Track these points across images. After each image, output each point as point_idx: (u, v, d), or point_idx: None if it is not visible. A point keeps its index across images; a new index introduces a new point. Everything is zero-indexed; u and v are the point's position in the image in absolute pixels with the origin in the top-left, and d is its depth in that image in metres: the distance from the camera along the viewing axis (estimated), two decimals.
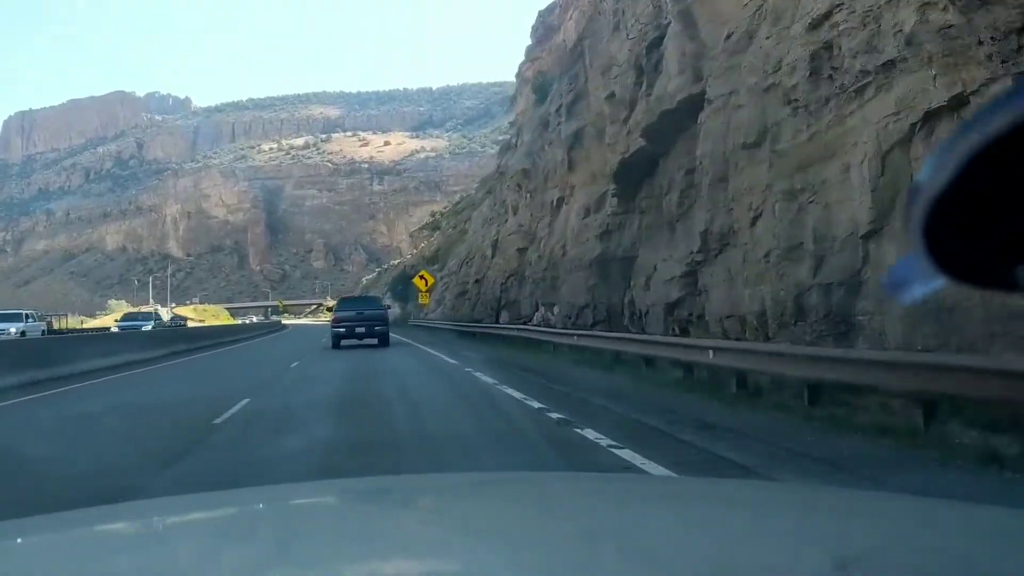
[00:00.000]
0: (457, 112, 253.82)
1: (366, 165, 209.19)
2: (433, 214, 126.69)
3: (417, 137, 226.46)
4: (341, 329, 23.61)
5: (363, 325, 23.41)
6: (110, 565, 1.15)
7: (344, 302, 26.41)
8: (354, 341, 23.36)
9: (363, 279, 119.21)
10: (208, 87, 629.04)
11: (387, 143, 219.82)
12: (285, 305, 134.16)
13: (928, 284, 0.63)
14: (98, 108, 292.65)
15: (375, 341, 23.29)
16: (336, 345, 23.32)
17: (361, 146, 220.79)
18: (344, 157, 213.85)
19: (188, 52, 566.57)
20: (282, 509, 1.64)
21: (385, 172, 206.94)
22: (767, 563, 1.02)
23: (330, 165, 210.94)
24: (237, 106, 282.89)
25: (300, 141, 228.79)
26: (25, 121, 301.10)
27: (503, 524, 1.36)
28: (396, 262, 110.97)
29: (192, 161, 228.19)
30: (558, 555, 1.07)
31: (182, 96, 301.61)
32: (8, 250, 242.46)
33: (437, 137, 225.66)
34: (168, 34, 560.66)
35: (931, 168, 0.58)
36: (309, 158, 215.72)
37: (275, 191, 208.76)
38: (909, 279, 0.65)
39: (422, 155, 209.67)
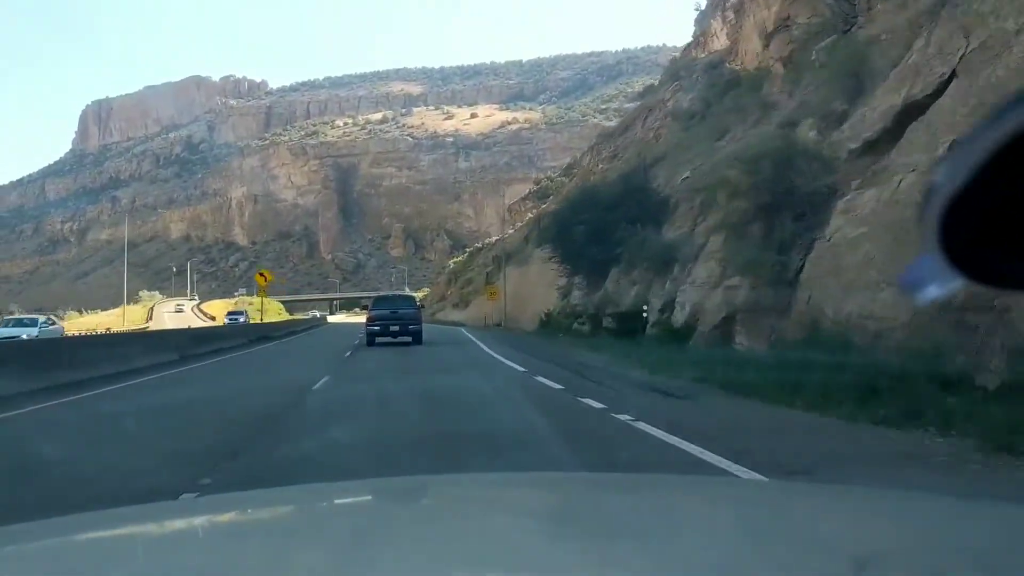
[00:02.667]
0: (550, 84, 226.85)
1: (451, 139, 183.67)
2: (538, 180, 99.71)
3: (507, 109, 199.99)
4: (376, 327, 23.95)
5: (397, 323, 23.90)
6: (119, 569, 1.13)
7: (379, 301, 26.03)
8: (388, 339, 23.54)
9: (450, 262, 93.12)
10: (284, 69, 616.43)
11: (474, 115, 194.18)
12: (308, 300, 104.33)
13: (945, 284, 0.62)
14: (174, 94, 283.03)
15: (409, 339, 23.46)
16: (371, 343, 23.48)
17: (445, 119, 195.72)
18: (426, 131, 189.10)
19: (264, 33, 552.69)
20: (311, 510, 1.64)
21: (472, 147, 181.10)
22: (785, 563, 1.01)
23: (410, 139, 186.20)
24: (312, 85, 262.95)
25: (377, 116, 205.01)
26: (102, 110, 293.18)
27: (521, 525, 1.35)
28: (493, 239, 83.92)
29: (259, 139, 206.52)
30: (575, 554, 1.07)
31: (258, 79, 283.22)
32: (72, 240, 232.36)
33: (530, 109, 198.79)
34: (243, 15, 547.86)
35: (948, 168, 0.58)
36: (387, 132, 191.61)
37: (349, 170, 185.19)
38: (925, 279, 0.64)
39: (514, 127, 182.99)
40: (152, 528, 1.44)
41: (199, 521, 1.53)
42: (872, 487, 1.65)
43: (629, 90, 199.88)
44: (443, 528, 1.30)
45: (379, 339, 23.46)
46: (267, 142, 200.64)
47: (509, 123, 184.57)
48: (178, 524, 1.50)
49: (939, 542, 1.11)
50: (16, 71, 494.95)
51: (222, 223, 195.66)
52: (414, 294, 35.79)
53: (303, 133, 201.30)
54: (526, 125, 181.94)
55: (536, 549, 1.12)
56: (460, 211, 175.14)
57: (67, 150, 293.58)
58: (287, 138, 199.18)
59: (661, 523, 1.30)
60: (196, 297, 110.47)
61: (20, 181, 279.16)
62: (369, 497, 1.80)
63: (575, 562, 1.04)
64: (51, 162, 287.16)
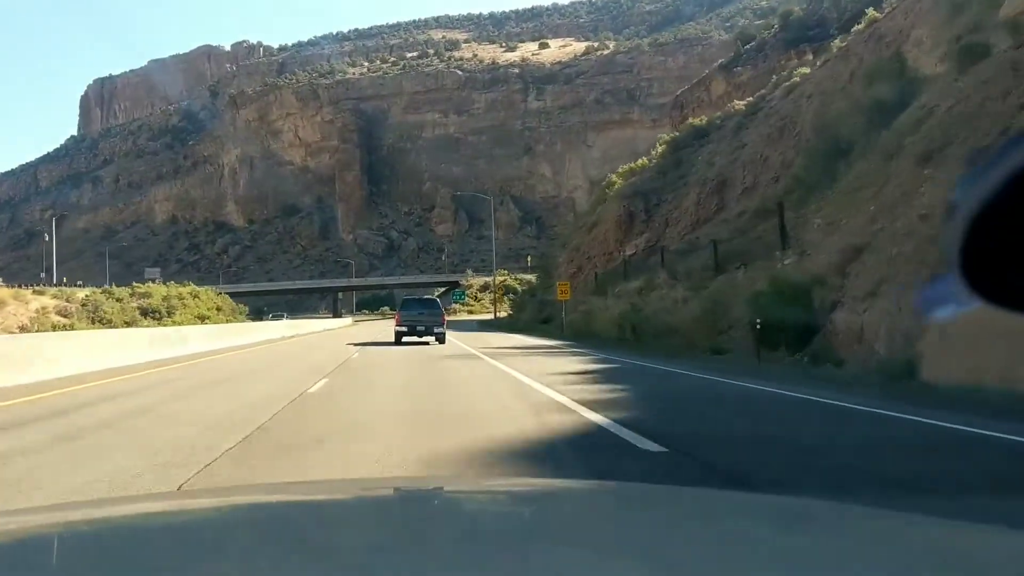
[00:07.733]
0: (634, 19, 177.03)
1: (516, 71, 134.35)
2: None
3: (588, 40, 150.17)
4: (403, 328, 26.05)
5: (423, 324, 25.89)
6: (106, 563, 1.10)
7: (408, 304, 28.31)
8: (414, 338, 25.80)
9: (614, 176, 43.64)
10: (303, 33, 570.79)
11: (543, 45, 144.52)
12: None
13: (962, 305, 0.62)
14: (183, 67, 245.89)
15: (433, 339, 25.60)
16: (398, 341, 25.60)
17: (505, 52, 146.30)
18: (480, 63, 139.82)
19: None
20: (307, 508, 1.62)
21: (546, 80, 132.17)
22: None
23: (459, 74, 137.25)
24: (335, 38, 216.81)
25: (413, 53, 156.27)
26: (104, 90, 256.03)
27: (516, 534, 1.34)
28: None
29: (260, 87, 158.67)
30: (575, 565, 1.07)
31: (275, 46, 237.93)
32: (43, 231, 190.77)
33: (617, 39, 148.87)
34: None
35: (968, 190, 0.57)
36: (428, 66, 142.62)
37: (376, 118, 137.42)
38: (943, 299, 0.63)
39: (605, 53, 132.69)
40: (148, 520, 1.43)
41: (191, 513, 1.50)
42: (871, 507, 1.68)
43: (756, 6, 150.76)
44: (440, 534, 1.28)
45: (406, 339, 25.67)
46: (266, 87, 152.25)
47: (596, 48, 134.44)
48: (171, 516, 1.49)
49: (943, 565, 1.11)
50: (19, 57, 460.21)
51: (212, 199, 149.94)
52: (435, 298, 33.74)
53: (315, 74, 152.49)
54: (621, 50, 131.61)
55: (535, 559, 1.11)
56: (531, 169, 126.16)
57: (69, 136, 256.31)
58: (293, 80, 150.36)
59: (664, 538, 1.30)
60: (80, 282, 65.05)
61: (13, 171, 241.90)
62: (367, 498, 1.77)
63: (574, 572, 1.03)
64: (51, 149, 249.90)
